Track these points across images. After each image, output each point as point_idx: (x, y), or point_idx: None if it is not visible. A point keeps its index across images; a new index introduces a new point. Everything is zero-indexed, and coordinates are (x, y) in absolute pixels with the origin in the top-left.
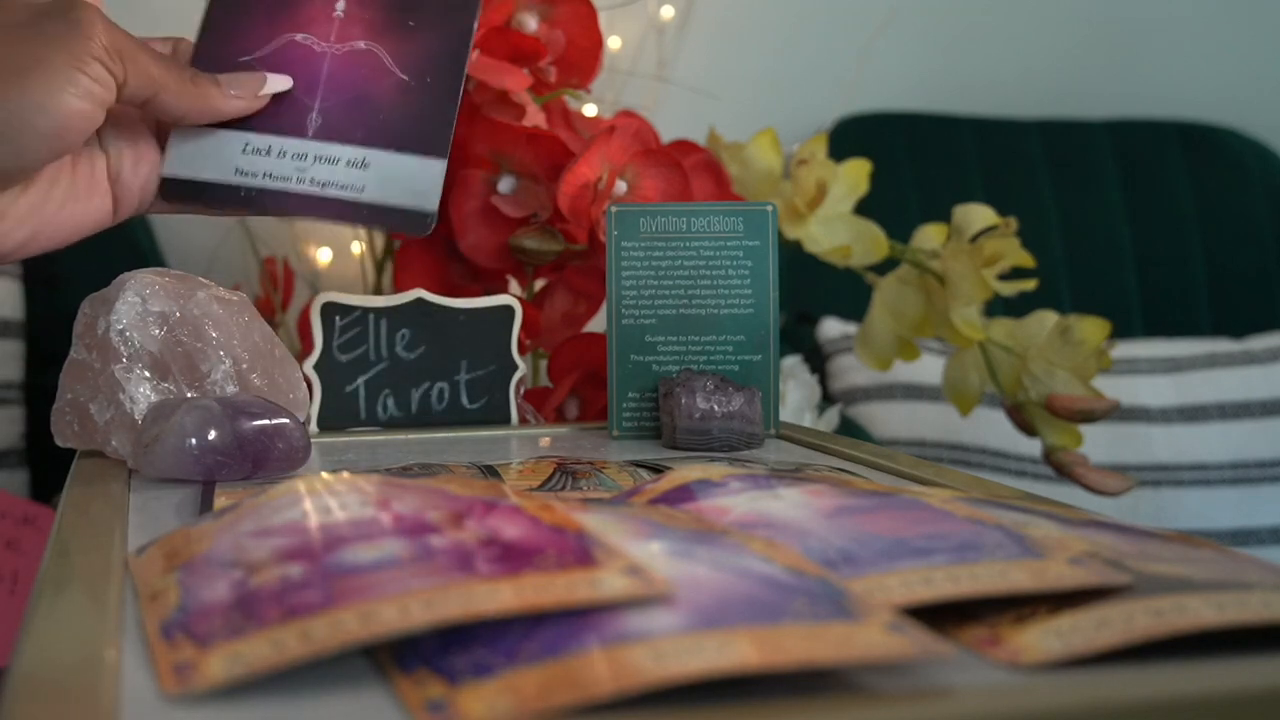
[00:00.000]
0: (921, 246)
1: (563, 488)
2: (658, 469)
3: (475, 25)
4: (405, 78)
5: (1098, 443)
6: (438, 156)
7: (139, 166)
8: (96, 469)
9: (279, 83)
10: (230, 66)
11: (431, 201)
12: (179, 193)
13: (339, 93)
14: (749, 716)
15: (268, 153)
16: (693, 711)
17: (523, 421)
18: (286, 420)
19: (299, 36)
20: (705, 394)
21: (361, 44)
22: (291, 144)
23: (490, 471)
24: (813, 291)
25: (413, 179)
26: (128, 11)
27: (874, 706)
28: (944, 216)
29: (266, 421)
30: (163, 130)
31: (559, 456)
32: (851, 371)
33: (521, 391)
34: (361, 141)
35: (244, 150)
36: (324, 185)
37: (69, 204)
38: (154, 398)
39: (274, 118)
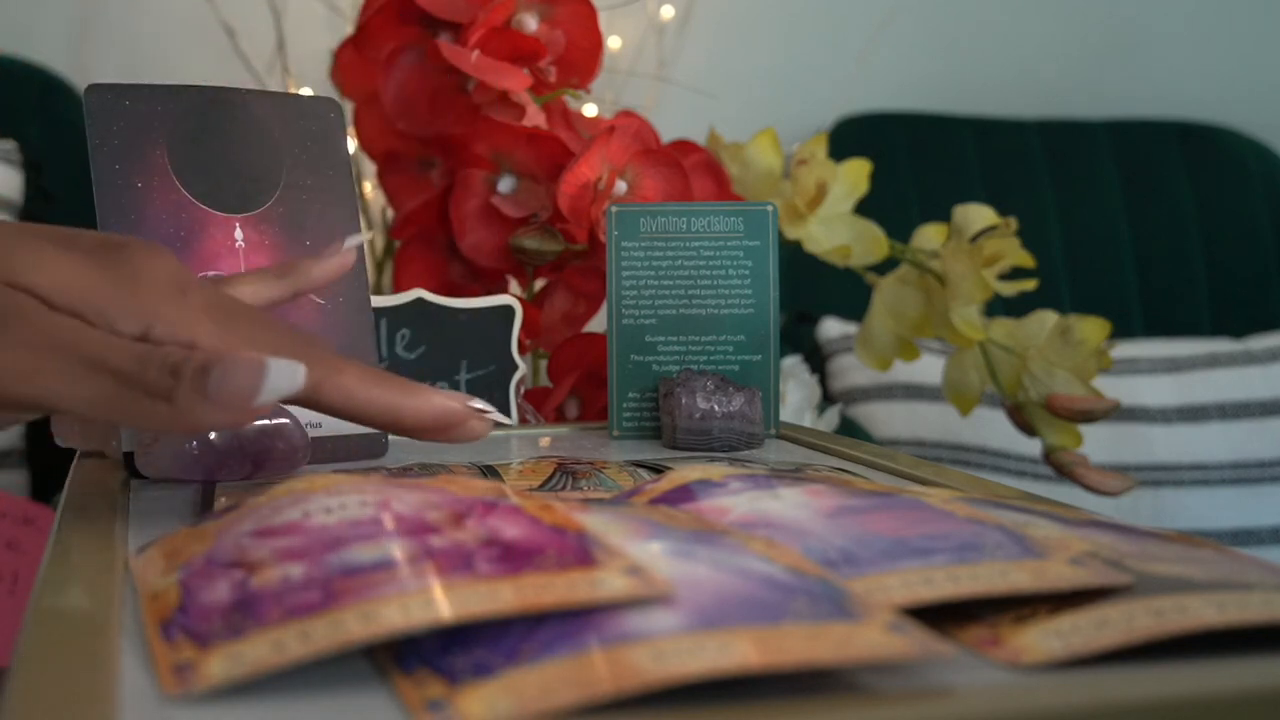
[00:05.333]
0: (921, 246)
1: (563, 488)
2: (658, 469)
3: (362, 238)
4: (321, 301)
5: (1098, 443)
6: None
7: None
8: (96, 469)
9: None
10: None
11: None
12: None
13: None
14: (749, 716)
15: None
16: (693, 711)
17: (523, 421)
18: (286, 420)
19: (211, 275)
20: (705, 394)
21: None
22: None
23: (490, 471)
24: (813, 291)
25: None
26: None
27: (874, 706)
28: (944, 216)
29: (266, 421)
30: None
31: (559, 456)
32: (851, 371)
33: (521, 391)
34: None
35: None
36: None
37: None
38: None
39: None
